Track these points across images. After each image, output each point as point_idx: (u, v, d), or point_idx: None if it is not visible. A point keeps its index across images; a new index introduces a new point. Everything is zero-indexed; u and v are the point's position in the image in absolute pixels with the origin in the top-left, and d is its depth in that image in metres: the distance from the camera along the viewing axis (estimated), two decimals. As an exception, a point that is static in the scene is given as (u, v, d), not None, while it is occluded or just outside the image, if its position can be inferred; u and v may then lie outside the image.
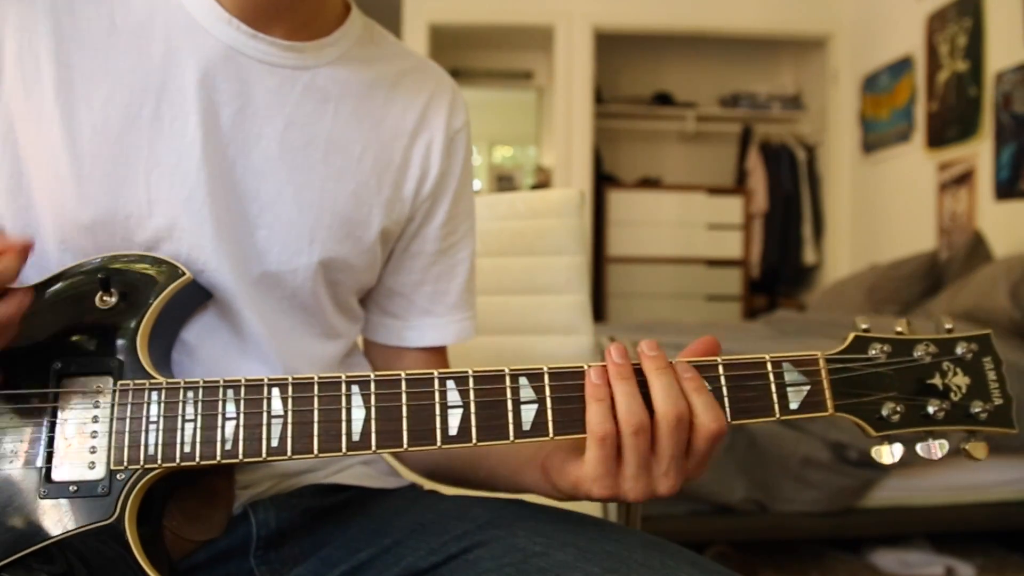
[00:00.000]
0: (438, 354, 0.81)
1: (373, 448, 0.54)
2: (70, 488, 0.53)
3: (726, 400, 0.55)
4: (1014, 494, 2.10)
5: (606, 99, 4.98)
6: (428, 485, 0.80)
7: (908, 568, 2.13)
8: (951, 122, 3.45)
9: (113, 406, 0.55)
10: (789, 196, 4.81)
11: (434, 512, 0.67)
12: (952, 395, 0.57)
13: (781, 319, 3.25)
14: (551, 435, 0.54)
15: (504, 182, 7.76)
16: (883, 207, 4.07)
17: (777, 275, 4.90)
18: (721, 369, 0.56)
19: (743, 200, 4.95)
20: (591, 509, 1.14)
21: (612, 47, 4.79)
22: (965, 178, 3.33)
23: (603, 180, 4.99)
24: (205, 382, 0.55)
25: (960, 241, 3.10)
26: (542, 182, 5.21)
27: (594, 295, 3.45)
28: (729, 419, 0.55)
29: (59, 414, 0.55)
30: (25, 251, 0.51)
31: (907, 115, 3.80)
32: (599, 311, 4.69)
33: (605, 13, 4.46)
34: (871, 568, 2.16)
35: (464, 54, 5.21)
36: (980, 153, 3.22)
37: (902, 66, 3.85)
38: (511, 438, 0.54)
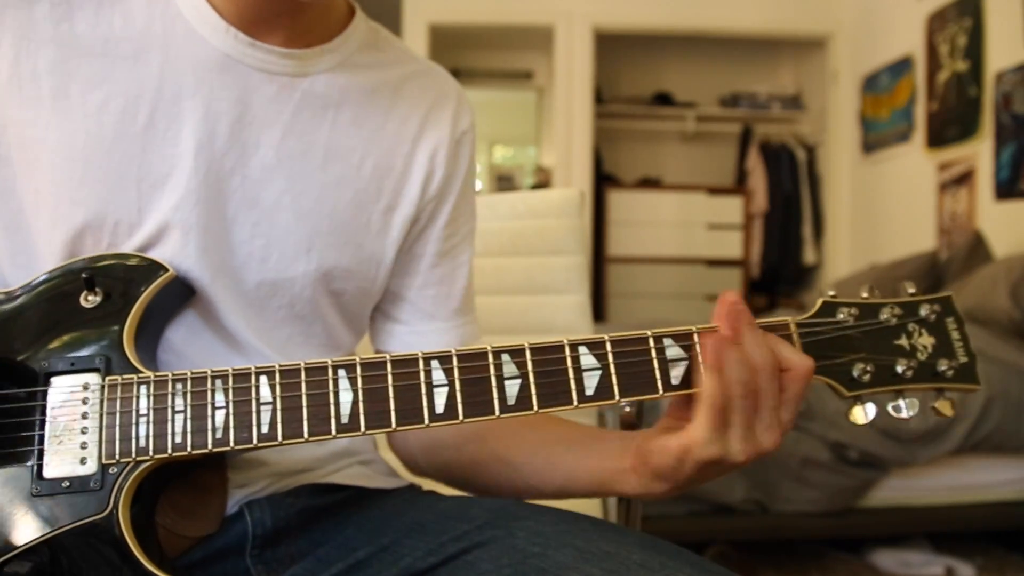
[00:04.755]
0: None
1: (362, 429, 0.54)
2: (62, 484, 0.53)
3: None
4: (1014, 494, 2.10)
5: (606, 99, 4.98)
6: (427, 486, 0.79)
7: (908, 568, 2.13)
8: (951, 122, 3.45)
9: (102, 401, 0.55)
10: (789, 196, 4.81)
11: (432, 512, 0.67)
12: (919, 354, 0.59)
13: (781, 319, 3.25)
14: (535, 408, 0.55)
15: (504, 182, 7.76)
16: (883, 207, 4.07)
17: (777, 275, 4.90)
18: (696, 337, 0.57)
19: (743, 200, 4.95)
20: (591, 509, 1.14)
21: (612, 47, 4.79)
22: (965, 178, 3.33)
23: (603, 180, 4.99)
24: (193, 373, 0.55)
25: (960, 241, 3.10)
26: (542, 182, 5.21)
27: (594, 295, 3.45)
28: None
29: (48, 412, 0.55)
30: None
31: (907, 115, 3.80)
32: (599, 311, 4.69)
33: (605, 13, 4.46)
34: (871, 568, 2.16)
35: (464, 54, 5.21)
36: (980, 153, 3.22)
37: (902, 66, 3.85)
38: (497, 413, 0.55)
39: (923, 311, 0.60)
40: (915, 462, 2.00)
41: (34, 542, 0.53)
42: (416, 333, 0.78)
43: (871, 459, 1.98)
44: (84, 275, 0.58)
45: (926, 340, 0.59)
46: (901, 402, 0.58)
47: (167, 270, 0.60)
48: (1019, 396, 1.99)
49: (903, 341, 0.59)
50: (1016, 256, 2.56)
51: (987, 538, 2.30)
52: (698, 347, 0.57)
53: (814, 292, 4.70)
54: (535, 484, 0.69)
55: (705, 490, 1.97)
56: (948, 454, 2.01)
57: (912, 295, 0.61)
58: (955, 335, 0.60)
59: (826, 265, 4.72)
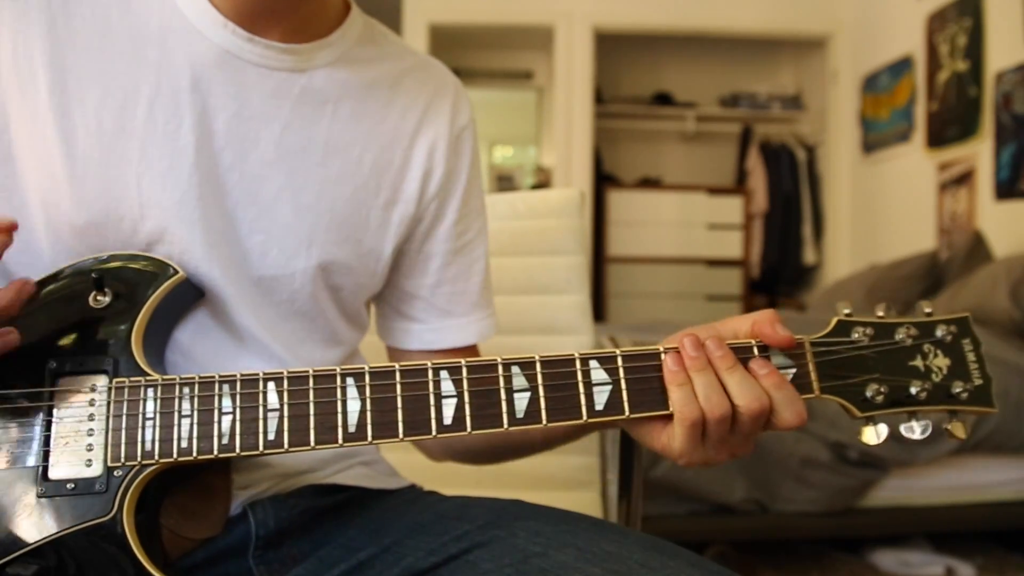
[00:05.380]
0: (467, 354, 0.80)
1: (369, 439, 0.54)
2: (67, 486, 0.53)
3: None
4: (1014, 494, 2.10)
5: (606, 99, 4.97)
6: (428, 486, 0.80)
7: (908, 568, 2.13)
8: (951, 122, 3.45)
9: (109, 404, 0.55)
10: (789, 196, 4.81)
11: (434, 512, 0.67)
12: (933, 376, 0.59)
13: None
14: (544, 422, 0.55)
15: (504, 182, 7.76)
16: (883, 207, 4.07)
17: (777, 275, 4.90)
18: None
19: (743, 200, 4.95)
20: (591, 509, 1.14)
21: (612, 47, 4.79)
22: (965, 178, 3.33)
23: (603, 180, 4.99)
24: (201, 378, 0.55)
25: (960, 241, 3.10)
26: (542, 182, 5.22)
27: (594, 295, 3.45)
28: None
29: (55, 413, 0.55)
30: (9, 230, 0.52)
31: (907, 115, 3.80)
32: (599, 311, 4.69)
33: (605, 13, 4.46)
34: (871, 568, 2.16)
35: (464, 54, 5.21)
36: (980, 153, 3.22)
37: (902, 66, 3.85)
38: (505, 426, 0.55)
39: (939, 332, 0.59)
40: (915, 462, 2.00)
41: (39, 543, 0.53)
42: (434, 331, 0.78)
43: (871, 459, 1.98)
44: (94, 275, 0.58)
45: (941, 361, 0.59)
46: (914, 423, 0.58)
47: (177, 271, 0.60)
48: (1019, 396, 1.99)
49: (918, 362, 0.58)
50: (1016, 256, 2.56)
51: (987, 538, 2.30)
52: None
53: (814, 292, 4.70)
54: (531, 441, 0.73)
55: (705, 490, 1.97)
56: (948, 454, 2.01)
57: (928, 315, 0.60)
58: (971, 356, 0.59)
59: (826, 265, 4.72)
